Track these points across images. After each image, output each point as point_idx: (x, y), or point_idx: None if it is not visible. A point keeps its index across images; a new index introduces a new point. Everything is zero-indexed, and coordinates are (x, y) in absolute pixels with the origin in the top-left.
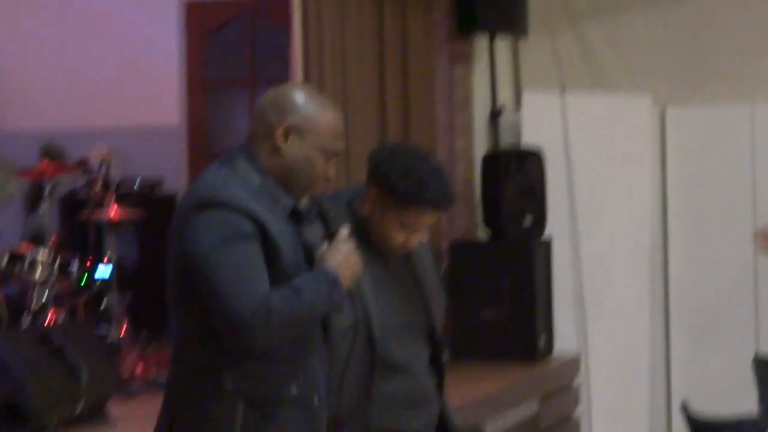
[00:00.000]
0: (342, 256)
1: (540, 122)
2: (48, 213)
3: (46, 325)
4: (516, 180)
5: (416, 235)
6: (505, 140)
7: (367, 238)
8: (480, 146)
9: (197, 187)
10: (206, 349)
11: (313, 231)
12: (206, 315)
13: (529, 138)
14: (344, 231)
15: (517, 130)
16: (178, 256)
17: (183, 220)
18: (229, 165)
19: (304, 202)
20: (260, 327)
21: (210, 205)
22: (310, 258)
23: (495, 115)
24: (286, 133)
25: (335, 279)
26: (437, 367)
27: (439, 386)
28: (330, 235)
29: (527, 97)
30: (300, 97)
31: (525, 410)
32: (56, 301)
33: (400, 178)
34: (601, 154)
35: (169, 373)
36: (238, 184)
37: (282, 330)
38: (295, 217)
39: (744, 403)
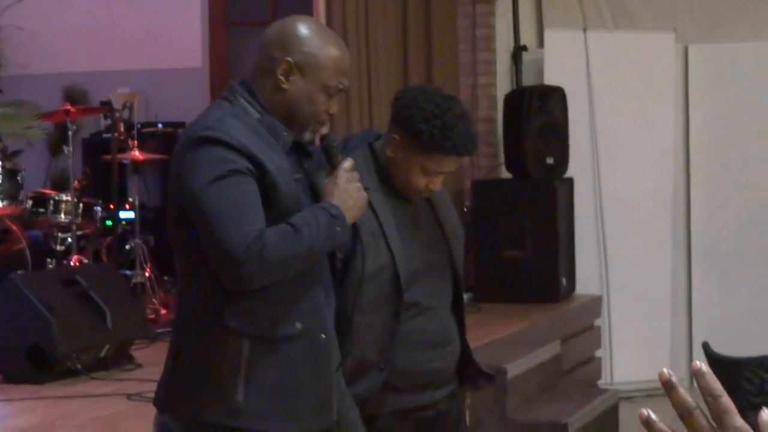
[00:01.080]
0: (342, 187)
1: (562, 61)
2: (71, 156)
3: (71, 267)
4: (538, 119)
5: (438, 179)
6: (528, 79)
7: (388, 182)
8: (502, 85)
9: (194, 124)
10: (207, 289)
11: (322, 174)
12: (205, 254)
13: (552, 77)
14: (347, 163)
15: (539, 69)
16: (176, 194)
17: (179, 157)
18: (228, 101)
19: (308, 136)
20: (254, 263)
21: (206, 141)
22: (316, 200)
23: (517, 53)
24: (288, 70)
25: (336, 212)
26: (458, 308)
27: (461, 326)
28: (333, 168)
29: (549, 36)
30: (304, 31)
31: (547, 351)
32: (80, 244)
33: (424, 123)
34: (624, 92)
35: (176, 313)
36: (237, 118)
37: (277, 267)
38: (301, 153)
39: (765, 344)
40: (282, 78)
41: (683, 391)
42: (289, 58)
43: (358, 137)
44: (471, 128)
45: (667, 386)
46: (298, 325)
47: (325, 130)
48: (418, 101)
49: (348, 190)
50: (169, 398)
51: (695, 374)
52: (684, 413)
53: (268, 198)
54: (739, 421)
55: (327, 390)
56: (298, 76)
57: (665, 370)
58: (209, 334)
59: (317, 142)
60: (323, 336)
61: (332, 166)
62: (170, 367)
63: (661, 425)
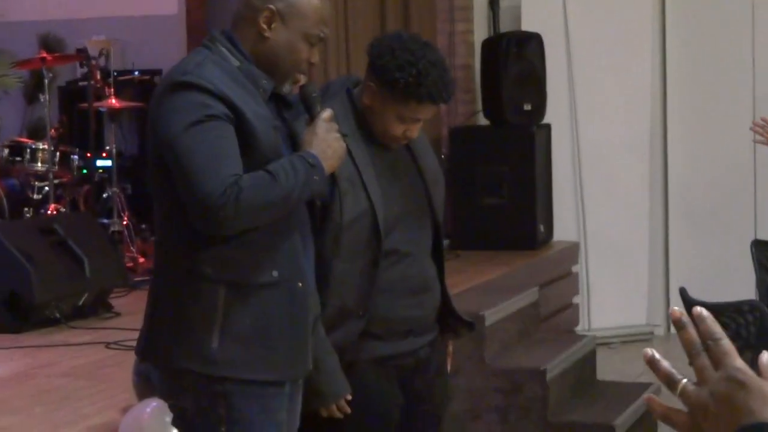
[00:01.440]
0: (321, 137)
1: (540, 7)
2: (47, 104)
3: (48, 215)
4: (515, 65)
5: (416, 126)
6: (505, 25)
7: (367, 128)
8: (480, 32)
9: (172, 70)
10: (184, 236)
11: (301, 122)
12: (180, 200)
13: (529, 23)
14: (325, 113)
15: (516, 16)
16: (152, 140)
17: (156, 103)
18: (208, 48)
19: (287, 88)
20: (229, 208)
21: (182, 86)
22: (296, 148)
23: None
24: (270, 18)
25: (314, 161)
26: (438, 255)
27: (440, 273)
28: (312, 118)
29: None
30: None
31: (525, 298)
32: (57, 192)
33: (399, 71)
34: (601, 38)
35: (154, 260)
36: (216, 65)
37: (253, 213)
38: (281, 102)
39: (742, 291)
40: (264, 26)
41: (693, 331)
42: (272, 6)
43: (336, 84)
44: (446, 75)
45: (678, 325)
46: (275, 273)
47: (303, 80)
48: (393, 49)
49: (327, 139)
50: (147, 346)
51: (696, 318)
52: (692, 352)
53: (245, 144)
54: (739, 362)
55: (303, 339)
56: (280, 25)
57: (676, 309)
58: (186, 281)
59: (295, 91)
60: (300, 284)
61: (311, 116)
62: (149, 315)
63: (665, 364)
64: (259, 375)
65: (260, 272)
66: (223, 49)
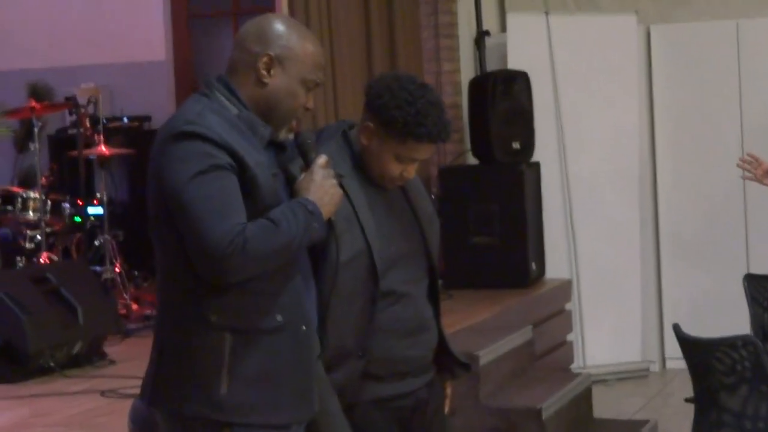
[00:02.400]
0: (318, 183)
1: (525, 45)
2: (38, 153)
3: (41, 264)
4: (503, 103)
5: (412, 166)
6: (491, 64)
7: (364, 170)
8: (466, 71)
9: (173, 119)
10: (189, 284)
11: (296, 165)
12: (185, 247)
13: (515, 61)
14: (321, 159)
15: (502, 54)
16: (156, 189)
17: (159, 152)
18: (206, 96)
19: (283, 134)
20: (235, 257)
21: (186, 136)
22: (293, 191)
23: (480, 39)
24: (269, 64)
25: (313, 208)
26: (433, 295)
27: (436, 313)
28: (307, 165)
29: (512, 20)
30: (283, 27)
31: (519, 336)
32: (49, 241)
33: (398, 110)
34: (587, 75)
35: (157, 309)
36: (216, 113)
37: (258, 261)
38: (275, 147)
39: (735, 324)
40: (264, 72)
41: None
42: (270, 52)
43: (331, 128)
44: (444, 115)
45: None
46: (279, 318)
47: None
48: (392, 89)
49: (324, 186)
50: (154, 391)
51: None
52: None
53: (247, 192)
54: None
55: (308, 381)
56: (278, 70)
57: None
58: (192, 328)
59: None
60: (304, 327)
61: (307, 163)
62: (155, 361)
63: None
64: (266, 419)
65: (265, 318)
66: (221, 97)
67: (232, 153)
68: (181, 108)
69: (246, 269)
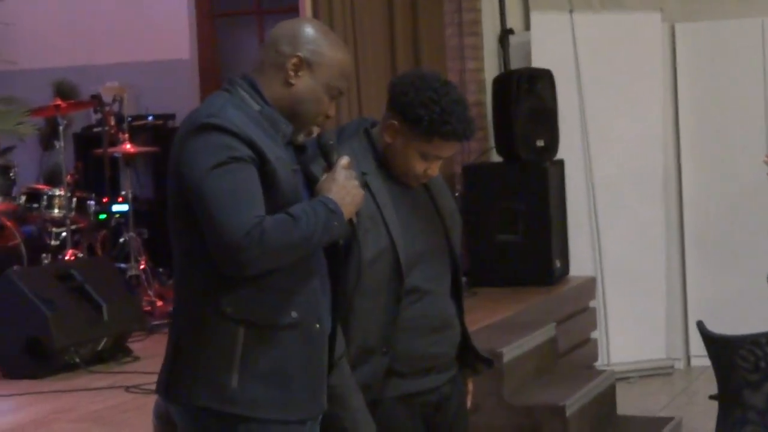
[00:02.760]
0: (340, 184)
1: (549, 43)
2: (63, 151)
3: (66, 261)
4: (527, 102)
5: (437, 164)
6: (515, 62)
7: (387, 167)
8: (490, 69)
9: (194, 113)
10: (205, 276)
11: (317, 165)
12: (204, 240)
13: (539, 60)
14: (343, 160)
15: (527, 52)
16: (175, 181)
17: (180, 144)
18: (228, 92)
19: (301, 138)
20: (252, 249)
21: (206, 128)
22: (312, 191)
23: (504, 37)
24: (298, 65)
25: (334, 207)
26: (457, 292)
27: (459, 311)
28: (330, 166)
29: (536, 18)
30: (314, 31)
31: (543, 334)
32: (75, 238)
33: (423, 108)
34: (612, 73)
35: (174, 301)
36: (237, 108)
37: (275, 255)
38: (295, 147)
39: (760, 322)
40: (291, 72)
41: None
42: (300, 54)
43: (352, 126)
44: (468, 112)
45: None
46: (294, 314)
47: (316, 131)
48: (417, 87)
49: (346, 186)
50: (168, 385)
51: None
52: None
53: (267, 187)
54: None
55: (319, 379)
56: (306, 73)
57: None
58: (206, 320)
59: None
60: (317, 326)
61: (329, 164)
62: (170, 354)
63: None
64: (277, 414)
65: (280, 313)
66: (244, 94)
67: (252, 146)
68: (203, 103)
69: (263, 262)
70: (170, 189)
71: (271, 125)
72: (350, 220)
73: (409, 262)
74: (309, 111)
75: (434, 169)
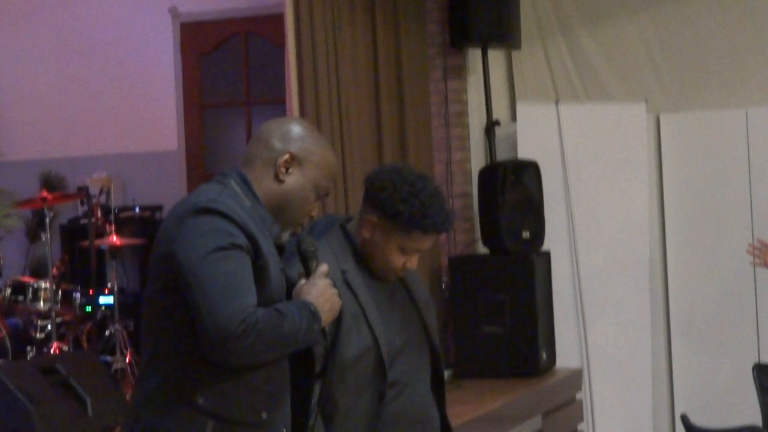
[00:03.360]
0: (320, 290)
1: (535, 134)
2: (49, 242)
3: (50, 355)
4: (513, 193)
5: (415, 257)
6: (502, 153)
7: (365, 263)
8: (477, 160)
9: (192, 196)
10: (182, 363)
11: (293, 267)
12: (187, 325)
13: (525, 150)
14: (322, 267)
15: (513, 143)
16: (164, 263)
17: (175, 225)
18: (222, 184)
19: (285, 236)
20: (245, 338)
21: (209, 212)
22: (289, 292)
23: (490, 128)
24: (290, 162)
25: (315, 310)
26: (438, 381)
27: (441, 401)
28: (308, 272)
29: (522, 109)
30: (305, 130)
31: (529, 426)
32: (60, 330)
33: (402, 203)
34: (598, 163)
35: (133, 397)
36: (232, 199)
37: (262, 347)
38: (277, 248)
39: (747, 413)
40: (283, 169)
41: None
42: (292, 150)
43: (321, 223)
44: (446, 205)
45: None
46: (264, 415)
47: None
48: (394, 182)
49: (325, 293)
50: None
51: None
52: None
53: (258, 279)
54: None
55: None
56: (296, 170)
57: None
58: (176, 410)
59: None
60: (284, 430)
61: (307, 271)
62: None
63: None
64: None
65: (251, 411)
66: (236, 187)
67: (250, 236)
68: (196, 191)
69: (252, 352)
70: (155, 271)
71: (261, 221)
72: (323, 329)
73: (391, 357)
74: (297, 209)
75: (413, 262)
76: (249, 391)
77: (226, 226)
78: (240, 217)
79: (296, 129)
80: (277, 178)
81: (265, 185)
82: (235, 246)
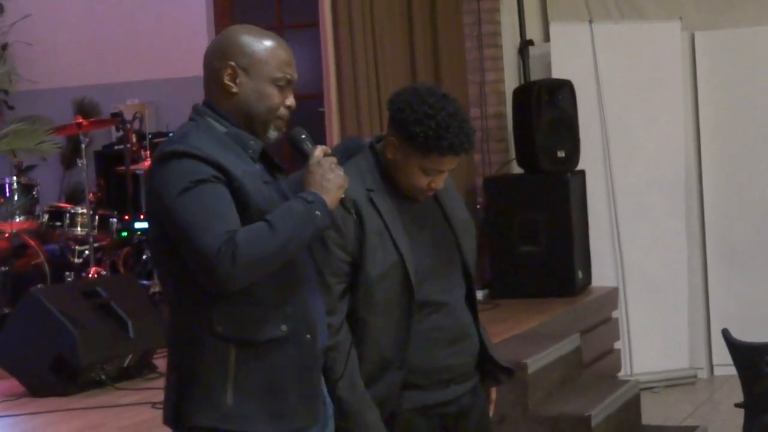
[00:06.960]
0: (317, 172)
1: (569, 54)
2: (85, 169)
3: (91, 279)
4: (548, 113)
5: (440, 177)
6: (535, 74)
7: (393, 181)
8: (510, 81)
9: (162, 144)
10: (195, 296)
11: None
12: (185, 263)
13: (559, 70)
14: (317, 150)
15: (546, 63)
16: (152, 211)
17: (151, 175)
18: (194, 120)
19: (272, 135)
20: (226, 265)
21: (171, 156)
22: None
23: (524, 48)
24: (233, 74)
25: (313, 198)
26: (471, 302)
27: (475, 319)
28: (305, 156)
29: (555, 29)
30: (239, 36)
31: (568, 344)
32: (97, 256)
33: (418, 125)
34: (632, 83)
35: (169, 326)
36: (202, 132)
37: (253, 266)
38: (273, 167)
39: None
40: (229, 83)
41: None
42: (231, 62)
43: (353, 141)
44: (466, 125)
45: None
46: (284, 327)
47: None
48: (411, 103)
49: (322, 172)
50: (166, 408)
51: None
52: None
53: (239, 201)
54: None
55: (312, 388)
56: (244, 78)
57: None
58: (199, 342)
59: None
60: (308, 336)
61: (304, 156)
62: (174, 384)
63: None
64: (272, 426)
65: (269, 328)
66: (210, 119)
67: (216, 165)
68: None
69: (242, 276)
70: (148, 218)
71: (239, 144)
72: (361, 229)
73: (420, 277)
74: (261, 110)
75: (438, 182)
76: (263, 308)
77: (187, 164)
78: (201, 150)
79: (231, 39)
80: (230, 93)
81: (225, 105)
82: (199, 182)
